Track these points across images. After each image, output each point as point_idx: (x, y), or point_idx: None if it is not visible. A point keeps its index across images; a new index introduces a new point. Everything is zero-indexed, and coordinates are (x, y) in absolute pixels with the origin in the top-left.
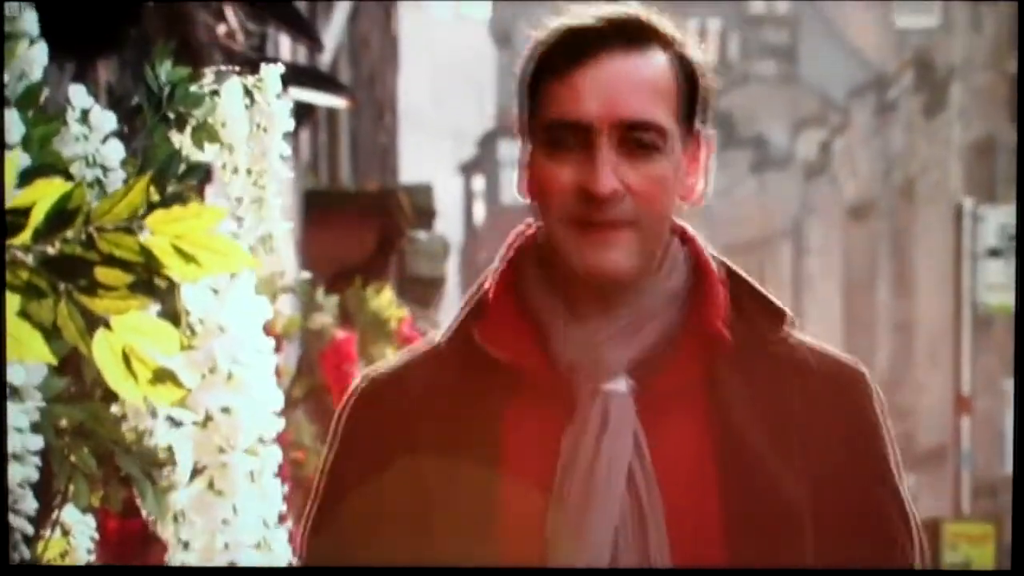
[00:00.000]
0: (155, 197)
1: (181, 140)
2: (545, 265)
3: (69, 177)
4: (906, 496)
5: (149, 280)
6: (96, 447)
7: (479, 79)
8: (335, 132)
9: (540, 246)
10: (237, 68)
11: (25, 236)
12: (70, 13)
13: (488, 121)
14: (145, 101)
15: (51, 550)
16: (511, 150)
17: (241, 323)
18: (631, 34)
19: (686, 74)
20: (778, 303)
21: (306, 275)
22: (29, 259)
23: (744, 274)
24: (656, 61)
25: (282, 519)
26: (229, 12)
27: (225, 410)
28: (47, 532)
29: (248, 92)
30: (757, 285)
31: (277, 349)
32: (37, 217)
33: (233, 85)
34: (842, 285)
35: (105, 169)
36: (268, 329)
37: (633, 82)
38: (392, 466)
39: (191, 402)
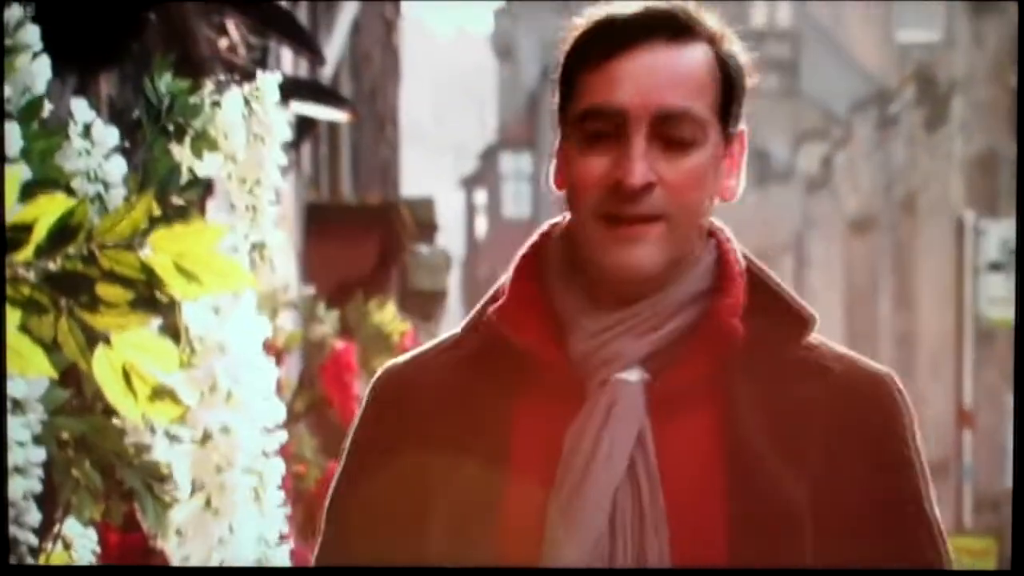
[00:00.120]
0: (156, 211)
1: (181, 153)
2: (569, 257)
3: (70, 191)
4: (935, 516)
5: (150, 297)
6: (98, 460)
7: (481, 93)
8: (336, 146)
9: (567, 237)
10: (237, 78)
11: (27, 252)
12: (72, 26)
13: (490, 135)
14: (145, 114)
15: (53, 563)
16: (513, 164)
17: (242, 342)
18: (672, 27)
19: (727, 71)
20: (806, 308)
21: (308, 290)
22: (31, 275)
23: (774, 277)
24: (696, 55)
25: (283, 538)
26: (231, 26)
27: (224, 430)
28: (49, 545)
29: (246, 102)
30: (785, 289)
31: (278, 363)
32: (40, 233)
33: (233, 95)
34: (844, 298)
35: (106, 185)
36: (269, 344)
37: (671, 73)
38: (403, 455)
39: (190, 420)
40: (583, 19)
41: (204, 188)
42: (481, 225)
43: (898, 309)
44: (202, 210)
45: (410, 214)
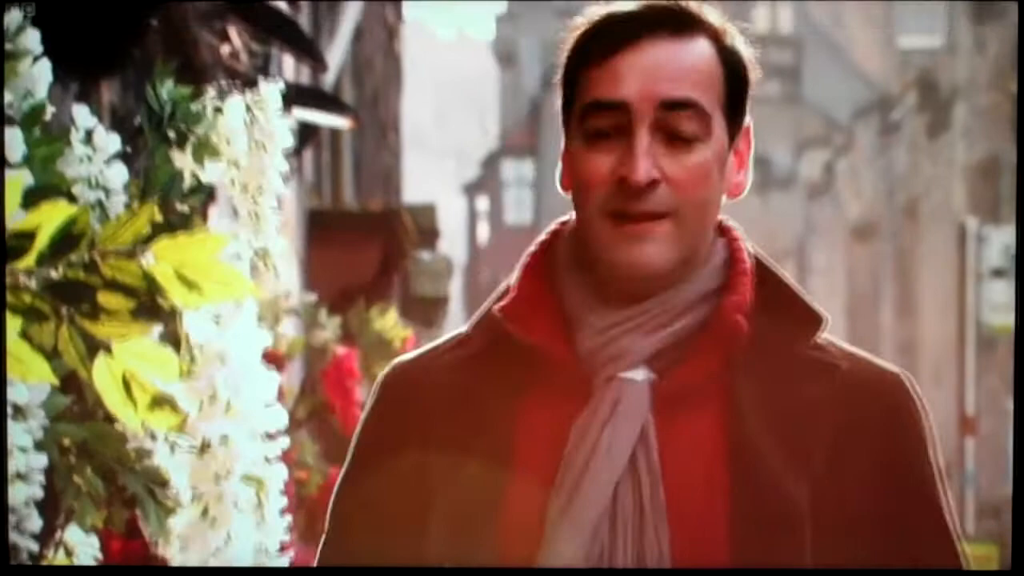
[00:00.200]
0: (158, 218)
1: (183, 160)
2: (578, 255)
3: (72, 198)
4: (953, 524)
5: (151, 306)
6: (99, 466)
7: (482, 99)
8: (338, 152)
9: (576, 236)
10: (238, 84)
11: (29, 260)
12: (74, 32)
13: (492, 141)
14: (146, 120)
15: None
16: (515, 170)
17: (242, 352)
18: (674, 22)
19: (731, 66)
20: (817, 308)
21: (310, 297)
22: (32, 283)
23: (785, 275)
24: (699, 50)
25: (284, 549)
26: (233, 33)
27: (223, 440)
28: (50, 552)
29: (248, 109)
30: (796, 287)
31: (280, 370)
32: (42, 241)
33: (235, 102)
34: (846, 305)
35: (108, 191)
36: (272, 350)
37: (674, 67)
38: (409, 453)
39: (190, 429)
40: (583, 18)
41: (206, 195)
42: (483, 231)
43: (900, 316)
44: (204, 217)
45: (412, 220)
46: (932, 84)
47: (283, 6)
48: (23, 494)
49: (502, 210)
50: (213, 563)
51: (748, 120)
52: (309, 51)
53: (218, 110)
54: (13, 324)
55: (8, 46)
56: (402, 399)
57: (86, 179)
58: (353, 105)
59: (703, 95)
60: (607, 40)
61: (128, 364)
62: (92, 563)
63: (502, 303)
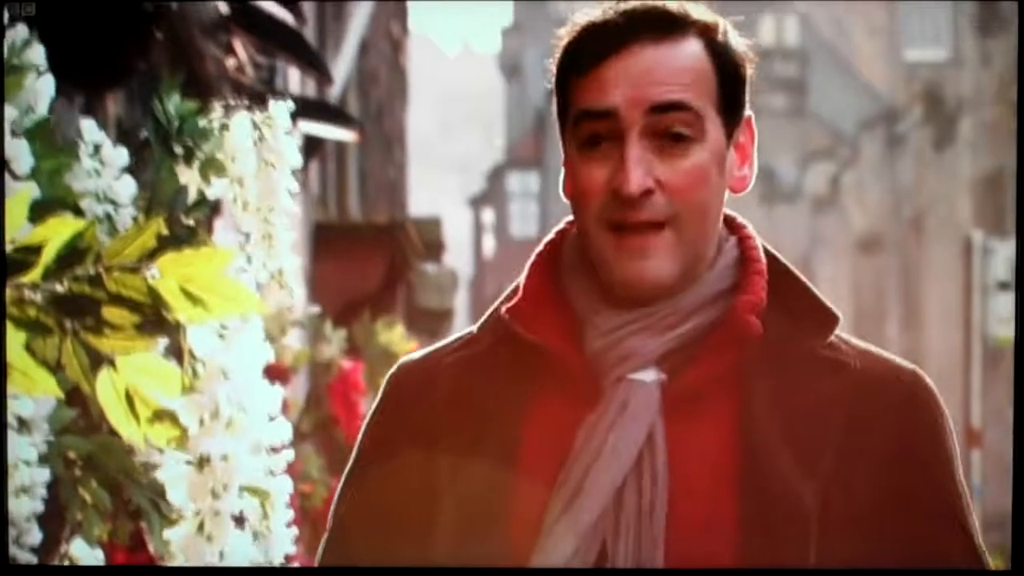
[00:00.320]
0: (163, 230)
1: (189, 175)
2: (584, 257)
3: (79, 211)
4: (970, 517)
5: (156, 320)
6: (105, 479)
7: (488, 112)
8: (344, 165)
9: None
10: (246, 102)
11: (35, 274)
12: (79, 46)
13: (497, 154)
14: (153, 134)
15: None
16: (520, 183)
17: (246, 368)
18: (658, 25)
19: (724, 62)
20: (831, 308)
21: (315, 309)
22: (37, 297)
23: (798, 274)
24: (687, 50)
25: (289, 561)
26: (238, 45)
27: (224, 457)
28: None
29: (256, 127)
30: (809, 286)
31: (285, 383)
32: (48, 255)
33: (242, 119)
34: (851, 318)
35: (116, 205)
36: (276, 363)
37: (662, 69)
38: (416, 452)
39: (191, 444)
40: (568, 27)
41: (211, 208)
42: (488, 244)
43: (906, 329)
44: (209, 230)
45: (417, 233)
46: (938, 97)
47: (289, 19)
48: (26, 508)
49: (508, 222)
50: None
51: (748, 112)
52: (315, 64)
53: (224, 127)
54: (18, 338)
55: (14, 60)
56: (408, 399)
57: (94, 193)
58: (358, 118)
59: (694, 95)
60: (592, 49)
61: (131, 379)
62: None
63: (510, 304)
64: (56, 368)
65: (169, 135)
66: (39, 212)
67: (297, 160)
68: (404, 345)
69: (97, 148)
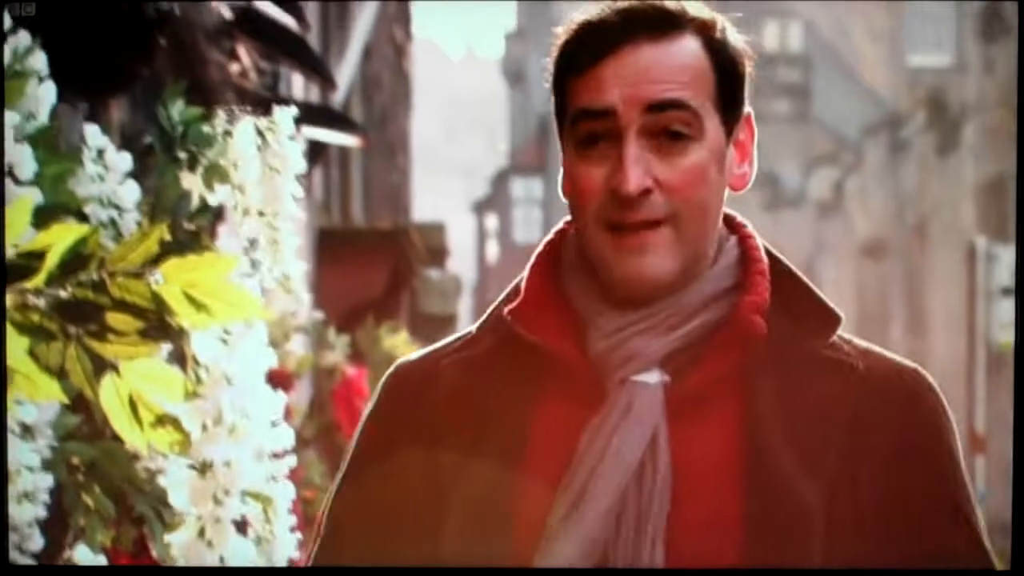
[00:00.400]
0: (167, 236)
1: (192, 181)
2: (583, 257)
3: (82, 217)
4: (978, 522)
5: (160, 326)
6: (109, 486)
7: (491, 118)
8: (347, 171)
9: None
10: (249, 108)
11: (39, 280)
12: (83, 52)
13: (501, 159)
14: (157, 141)
15: None
16: (524, 189)
17: (249, 374)
18: (655, 23)
19: (722, 59)
20: (833, 308)
21: (319, 315)
22: (41, 302)
23: (799, 274)
24: (684, 47)
25: (292, 565)
26: (242, 51)
27: (226, 462)
28: None
29: (260, 133)
30: (811, 286)
31: (288, 389)
32: (52, 261)
33: (245, 126)
34: (855, 323)
35: (120, 210)
36: (280, 368)
37: (658, 68)
38: (413, 454)
39: (193, 450)
40: (566, 26)
41: (215, 214)
42: (492, 250)
43: (909, 334)
44: (213, 235)
45: (421, 239)
46: (941, 103)
47: (292, 24)
48: (28, 514)
49: (511, 228)
50: None
51: (748, 109)
52: (318, 69)
53: (228, 133)
54: (21, 343)
55: (16, 67)
56: (408, 399)
57: (98, 198)
58: (362, 123)
59: (691, 93)
60: (589, 48)
61: (135, 384)
62: None
63: (511, 306)
64: (60, 374)
65: (173, 141)
66: (43, 217)
67: (301, 165)
68: (408, 351)
69: (101, 153)
